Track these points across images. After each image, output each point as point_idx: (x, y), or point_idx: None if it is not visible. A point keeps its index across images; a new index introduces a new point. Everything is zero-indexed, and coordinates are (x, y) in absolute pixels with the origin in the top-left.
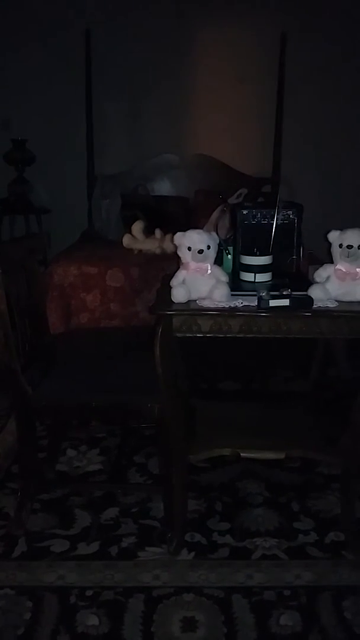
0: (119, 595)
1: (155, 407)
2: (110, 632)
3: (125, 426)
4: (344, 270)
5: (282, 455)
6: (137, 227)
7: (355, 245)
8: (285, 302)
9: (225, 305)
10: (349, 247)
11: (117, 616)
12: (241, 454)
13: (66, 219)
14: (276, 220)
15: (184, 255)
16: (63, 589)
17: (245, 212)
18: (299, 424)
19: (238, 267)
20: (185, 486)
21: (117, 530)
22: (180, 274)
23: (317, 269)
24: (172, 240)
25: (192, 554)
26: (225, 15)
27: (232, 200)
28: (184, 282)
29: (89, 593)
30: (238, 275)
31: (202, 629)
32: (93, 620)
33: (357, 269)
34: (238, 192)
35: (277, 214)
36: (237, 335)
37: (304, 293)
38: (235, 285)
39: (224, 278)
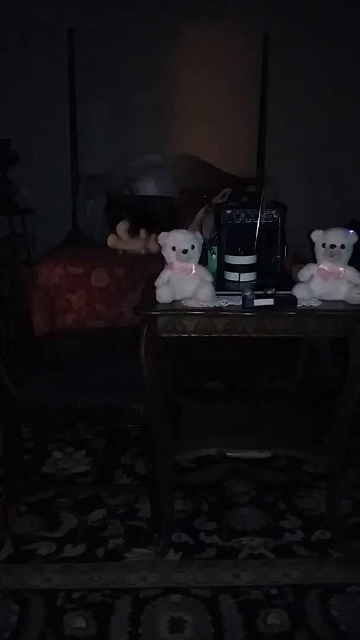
0: (106, 597)
1: (141, 408)
2: (97, 634)
3: (112, 427)
4: (327, 269)
5: (268, 454)
6: (122, 227)
7: (338, 245)
8: (270, 301)
9: (210, 305)
10: (332, 246)
11: (104, 618)
12: (227, 454)
13: (50, 220)
14: (260, 220)
15: (169, 255)
16: (50, 591)
17: (229, 212)
18: (285, 422)
19: (222, 267)
20: (172, 486)
21: (103, 531)
22: (165, 274)
23: (301, 268)
24: (156, 240)
25: (179, 554)
26: (209, 15)
27: (217, 200)
28: (168, 282)
29: (75, 595)
30: (223, 275)
31: (189, 629)
32: (80, 623)
33: (340, 268)
34: (222, 192)
35: (261, 214)
36: (222, 335)
37: (288, 292)
38: (220, 285)
39: (209, 278)
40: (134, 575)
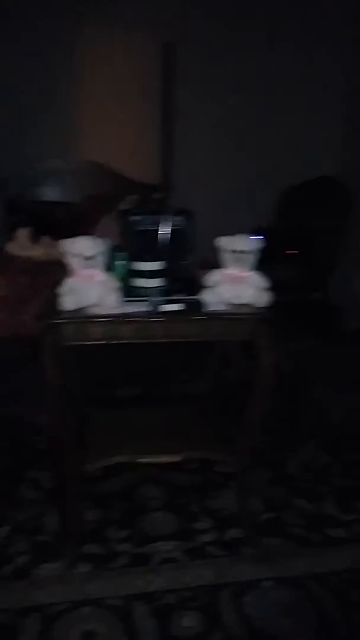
0: (13, 617)
1: (45, 419)
2: None
3: (16, 440)
4: (233, 274)
5: (177, 458)
6: (23, 233)
7: (244, 250)
8: (178, 306)
9: (117, 311)
10: (237, 252)
11: (12, 639)
12: (137, 460)
13: None
14: (167, 226)
15: (73, 262)
16: None
17: (135, 218)
18: (195, 425)
19: (129, 274)
20: (81, 497)
21: (9, 549)
22: (69, 282)
23: (209, 273)
24: (60, 247)
25: (90, 565)
26: (113, 21)
27: (122, 206)
28: (73, 289)
29: None
30: (129, 281)
31: None
32: None
33: (246, 273)
34: (128, 199)
35: (167, 220)
36: (131, 342)
37: (196, 297)
38: (127, 291)
39: (115, 284)
40: (43, 592)
